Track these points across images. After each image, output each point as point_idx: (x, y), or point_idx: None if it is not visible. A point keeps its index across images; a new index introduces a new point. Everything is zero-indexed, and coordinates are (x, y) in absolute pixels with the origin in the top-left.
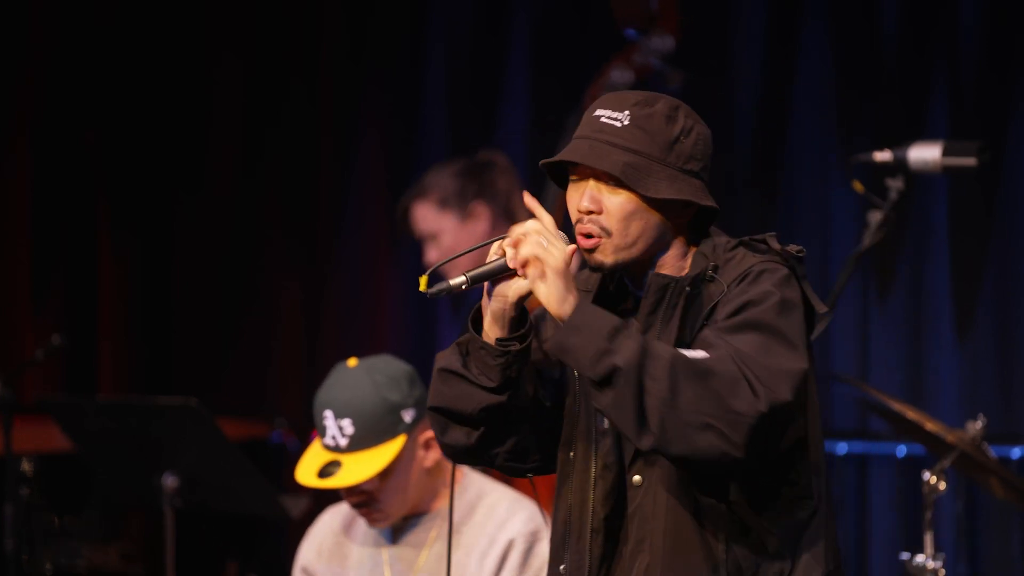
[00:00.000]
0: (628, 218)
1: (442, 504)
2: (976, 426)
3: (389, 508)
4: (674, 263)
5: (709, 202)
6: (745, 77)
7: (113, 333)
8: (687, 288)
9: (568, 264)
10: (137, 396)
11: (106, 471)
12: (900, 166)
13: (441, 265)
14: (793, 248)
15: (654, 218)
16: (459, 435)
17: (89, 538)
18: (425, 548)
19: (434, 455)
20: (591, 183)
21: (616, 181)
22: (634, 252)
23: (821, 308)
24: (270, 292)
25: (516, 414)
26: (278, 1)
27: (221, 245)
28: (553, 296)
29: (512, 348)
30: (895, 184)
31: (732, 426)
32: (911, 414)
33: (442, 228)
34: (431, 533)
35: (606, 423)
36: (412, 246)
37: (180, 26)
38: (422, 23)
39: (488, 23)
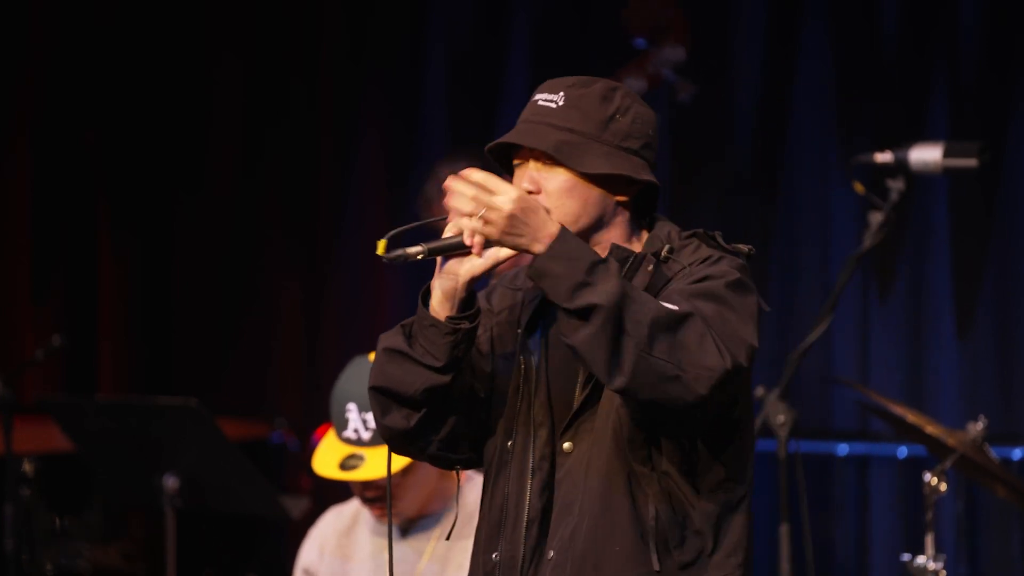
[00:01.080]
0: (566, 195)
1: (447, 503)
2: (977, 427)
3: (404, 504)
4: (623, 242)
5: (647, 177)
6: (745, 77)
7: (113, 333)
8: (651, 263)
9: (521, 198)
10: (137, 396)
11: (106, 471)
12: (901, 167)
13: (401, 232)
14: (744, 247)
15: (594, 194)
16: (398, 418)
17: (89, 538)
18: (429, 546)
19: None
20: (530, 165)
21: (552, 160)
22: (578, 229)
23: (765, 307)
24: (270, 292)
25: (455, 400)
26: (278, 1)
27: (221, 245)
28: (525, 236)
29: (462, 326)
30: (896, 185)
31: (698, 380)
32: (911, 417)
33: None
34: (435, 532)
35: (541, 416)
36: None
37: (180, 26)
38: (422, 23)
39: (488, 23)
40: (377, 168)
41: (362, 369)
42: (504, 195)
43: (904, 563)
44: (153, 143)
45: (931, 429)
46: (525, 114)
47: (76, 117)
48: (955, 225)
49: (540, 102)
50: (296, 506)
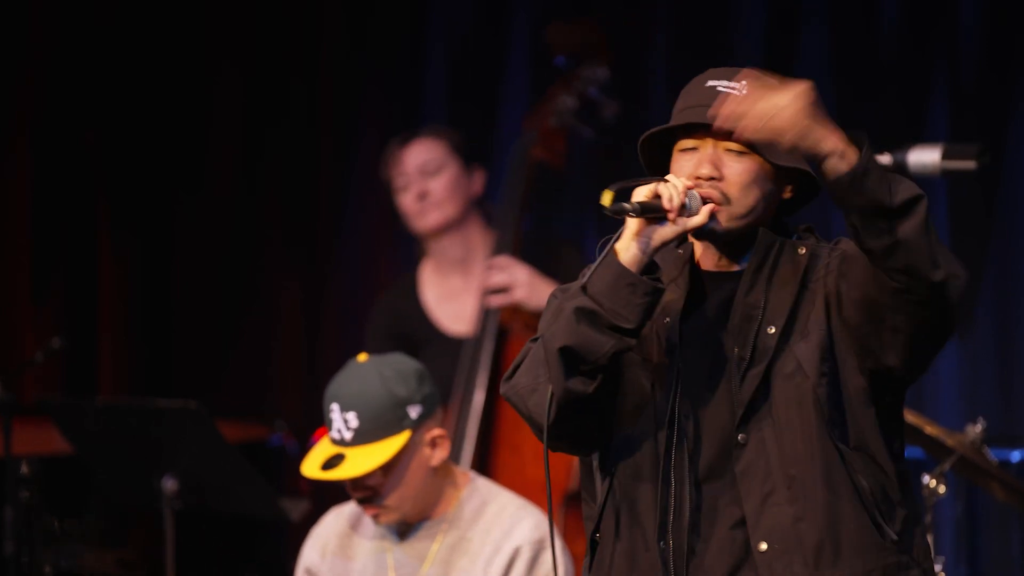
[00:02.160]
0: (749, 186)
1: (449, 508)
2: (976, 429)
3: (393, 504)
4: None
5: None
6: None
7: (113, 334)
8: (805, 250)
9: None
10: (137, 398)
11: (106, 473)
12: (899, 169)
13: (628, 186)
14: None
15: (769, 188)
16: (580, 383)
17: (89, 541)
18: (431, 552)
19: (440, 454)
20: (710, 149)
21: (742, 146)
22: (747, 222)
23: None
24: (270, 294)
25: (621, 374)
26: (278, 1)
27: (221, 246)
28: (824, 136)
29: (659, 286)
30: None
31: (960, 283)
32: (910, 418)
33: (447, 165)
34: (436, 537)
35: (683, 411)
36: (412, 246)
37: (180, 27)
38: (422, 23)
39: (488, 23)
40: (377, 168)
41: (350, 370)
42: (786, 94)
43: None
44: (153, 143)
45: (930, 430)
46: (702, 99)
47: (76, 117)
48: (954, 226)
49: (721, 88)
50: (295, 508)
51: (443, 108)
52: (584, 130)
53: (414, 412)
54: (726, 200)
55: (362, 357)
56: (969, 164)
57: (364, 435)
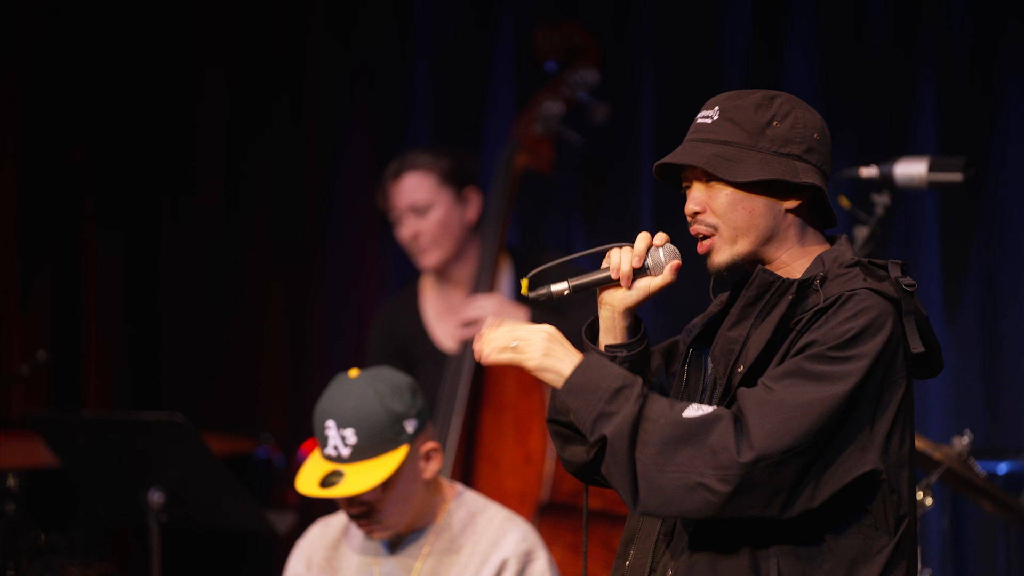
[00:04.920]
0: (731, 209)
1: (437, 520)
2: (962, 442)
3: (389, 519)
4: (791, 261)
5: (808, 179)
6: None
7: (99, 347)
8: (791, 294)
9: (549, 336)
10: (123, 411)
11: (91, 487)
12: (886, 181)
13: (545, 269)
14: (905, 280)
15: (759, 204)
16: (578, 451)
17: (75, 554)
18: (418, 563)
19: (433, 467)
20: (694, 186)
21: (710, 176)
22: (746, 245)
23: (917, 348)
24: (256, 305)
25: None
26: (263, 6)
27: (207, 257)
28: (548, 373)
29: (618, 354)
30: (881, 199)
31: (723, 479)
32: None
33: (437, 202)
34: (424, 549)
35: None
36: (400, 258)
37: (165, 37)
38: (408, 27)
39: (475, 28)
40: (363, 177)
41: (343, 387)
42: (533, 334)
43: None
44: (138, 154)
45: (917, 443)
46: (688, 134)
47: (62, 127)
48: (941, 239)
49: (698, 119)
50: (282, 521)
51: (429, 113)
52: (572, 135)
53: (410, 426)
54: (714, 229)
55: (353, 372)
56: (955, 176)
57: (363, 451)
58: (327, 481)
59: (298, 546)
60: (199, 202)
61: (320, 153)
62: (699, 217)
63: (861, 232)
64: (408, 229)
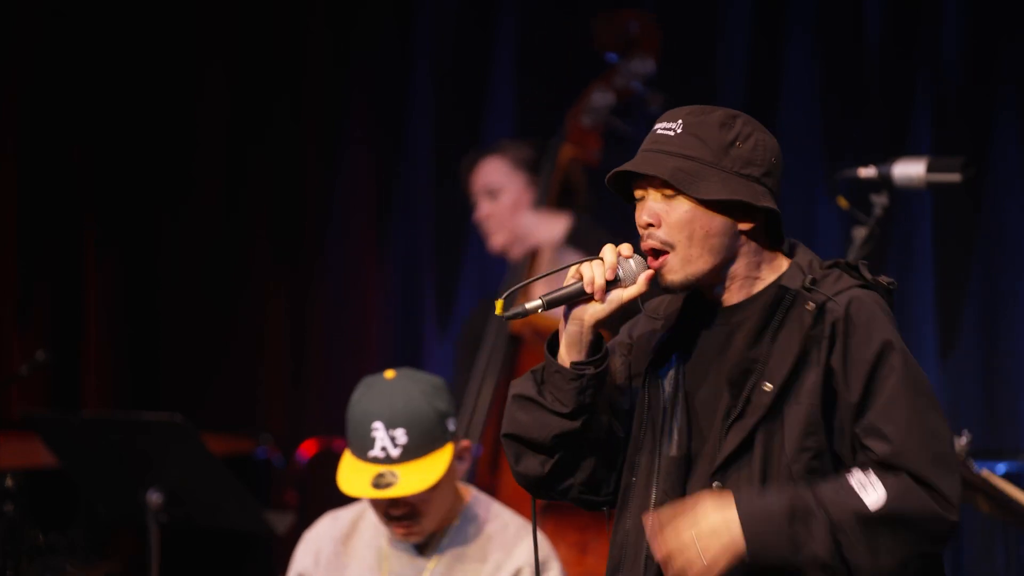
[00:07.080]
0: (687, 225)
1: (451, 522)
2: (960, 442)
3: (429, 520)
4: (747, 273)
5: (768, 203)
6: (730, 94)
7: (98, 348)
8: (808, 304)
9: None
10: (122, 411)
11: (91, 487)
12: (884, 182)
13: (516, 289)
14: (884, 279)
15: (716, 223)
16: (533, 464)
17: (74, 554)
18: (431, 563)
19: (464, 466)
20: (650, 196)
21: (671, 189)
22: (702, 265)
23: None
24: (255, 306)
25: (590, 444)
26: (263, 10)
27: (206, 258)
28: (723, 549)
29: (587, 372)
30: (879, 200)
31: (935, 543)
32: None
33: (508, 186)
34: (436, 550)
35: (672, 450)
36: (399, 262)
37: (164, 40)
38: (407, 31)
39: (475, 28)
40: (363, 178)
41: (380, 387)
42: (706, 550)
43: None
44: (138, 157)
45: None
46: (645, 144)
47: (61, 131)
48: (939, 240)
49: (659, 131)
50: (281, 522)
51: (429, 117)
52: (622, 127)
53: (451, 424)
54: (669, 246)
55: (389, 374)
56: (954, 177)
57: (413, 451)
58: (379, 482)
59: (306, 538)
60: (199, 202)
61: (320, 153)
62: (652, 231)
63: (860, 232)
64: (480, 210)
